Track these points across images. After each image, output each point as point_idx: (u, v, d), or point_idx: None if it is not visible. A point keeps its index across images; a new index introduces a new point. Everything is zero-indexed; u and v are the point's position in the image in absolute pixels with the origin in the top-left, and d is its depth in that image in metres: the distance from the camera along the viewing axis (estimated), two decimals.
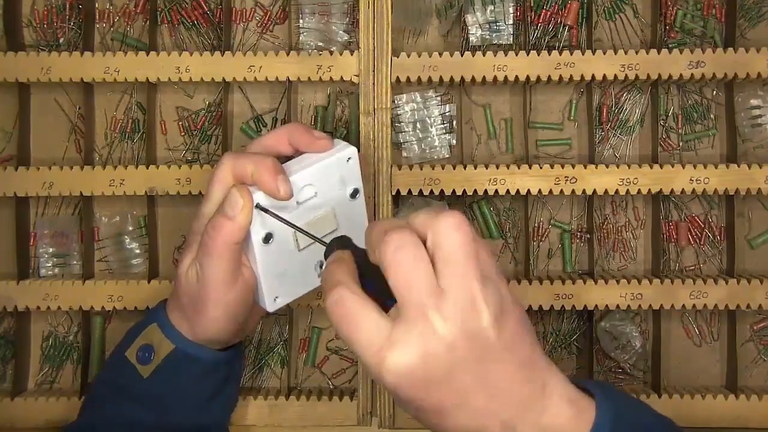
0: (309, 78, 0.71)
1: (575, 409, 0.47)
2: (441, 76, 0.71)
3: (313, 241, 0.57)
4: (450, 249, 0.45)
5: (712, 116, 0.76)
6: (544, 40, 0.76)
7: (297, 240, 0.58)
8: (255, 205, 0.55)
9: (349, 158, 0.59)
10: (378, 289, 0.47)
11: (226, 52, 0.72)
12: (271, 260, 0.58)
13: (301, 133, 0.58)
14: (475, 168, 0.71)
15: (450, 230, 0.45)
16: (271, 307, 0.59)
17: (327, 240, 0.54)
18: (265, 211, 0.56)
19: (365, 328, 0.45)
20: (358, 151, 0.60)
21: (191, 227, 0.59)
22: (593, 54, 0.71)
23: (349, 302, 0.46)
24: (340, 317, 0.46)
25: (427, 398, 0.44)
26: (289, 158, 0.59)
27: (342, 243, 0.53)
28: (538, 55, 0.71)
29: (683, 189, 0.70)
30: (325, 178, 0.59)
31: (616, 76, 0.71)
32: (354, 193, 0.60)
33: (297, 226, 0.56)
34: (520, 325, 0.46)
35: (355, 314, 0.45)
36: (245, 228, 0.55)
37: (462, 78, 0.71)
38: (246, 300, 0.58)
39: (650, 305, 0.71)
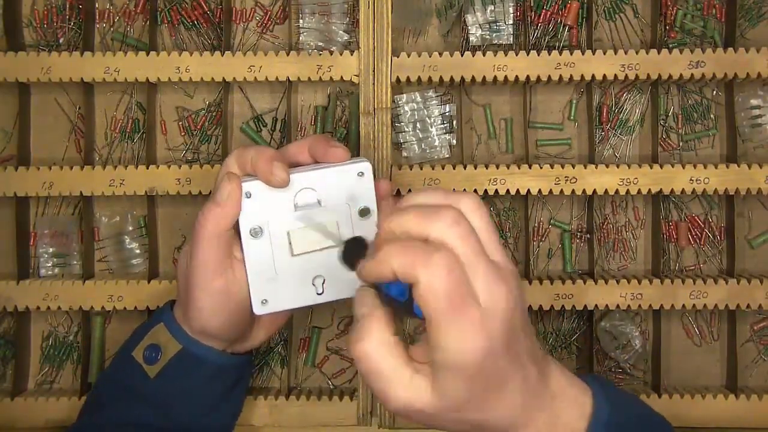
0: (309, 78, 0.71)
1: (570, 381, 0.49)
2: (441, 76, 0.71)
3: (309, 249, 0.57)
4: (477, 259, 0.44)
5: (712, 116, 0.76)
6: (544, 40, 0.76)
7: (291, 244, 0.58)
8: (245, 194, 0.56)
9: (360, 172, 0.57)
10: (397, 292, 0.45)
11: (226, 52, 0.72)
12: (261, 258, 0.57)
13: (319, 142, 0.58)
14: (475, 168, 0.71)
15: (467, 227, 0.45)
16: (258, 309, 0.58)
17: (326, 252, 0.54)
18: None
19: (395, 386, 0.45)
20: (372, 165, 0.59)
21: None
22: (593, 54, 0.71)
23: (376, 361, 0.45)
24: (367, 371, 0.45)
25: (484, 375, 0.44)
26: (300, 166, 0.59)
27: (358, 244, 0.49)
28: (538, 55, 0.71)
29: (683, 189, 0.71)
30: (331, 188, 0.57)
31: (616, 76, 0.71)
32: (364, 212, 0.58)
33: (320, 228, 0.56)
34: (526, 316, 0.47)
35: (384, 373, 0.45)
36: (232, 214, 0.56)
37: (462, 78, 0.71)
38: (235, 296, 0.58)
39: (650, 305, 0.71)
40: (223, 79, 0.71)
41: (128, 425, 0.60)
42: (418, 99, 0.76)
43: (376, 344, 0.45)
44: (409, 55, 0.71)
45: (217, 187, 0.56)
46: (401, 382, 0.45)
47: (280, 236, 0.57)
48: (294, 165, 0.58)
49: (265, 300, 0.58)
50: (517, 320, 0.45)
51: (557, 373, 0.49)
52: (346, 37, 0.75)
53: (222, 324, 0.59)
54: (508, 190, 0.71)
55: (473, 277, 0.43)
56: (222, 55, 0.71)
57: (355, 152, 0.72)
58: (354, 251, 0.49)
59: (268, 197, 0.56)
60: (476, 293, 0.43)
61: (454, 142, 0.76)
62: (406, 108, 0.76)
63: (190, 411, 0.61)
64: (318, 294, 0.59)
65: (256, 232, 0.57)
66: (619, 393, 0.53)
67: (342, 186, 0.57)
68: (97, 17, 0.77)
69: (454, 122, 0.76)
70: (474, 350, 0.43)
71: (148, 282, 0.72)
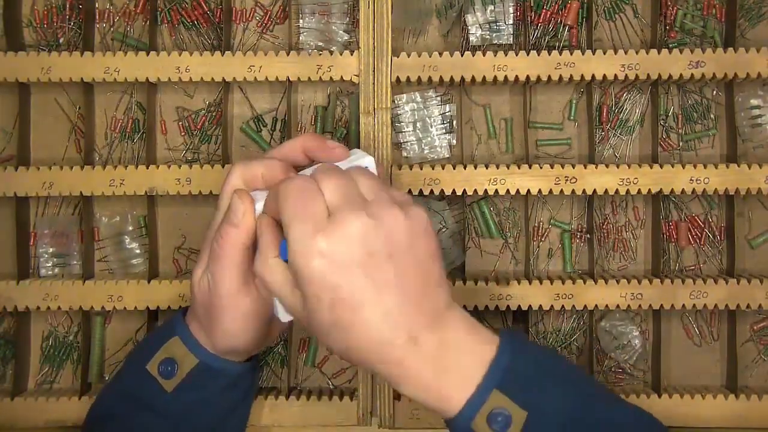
0: (309, 78, 0.71)
1: (472, 330, 0.51)
2: (441, 76, 0.71)
3: None
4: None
5: (712, 116, 0.76)
6: (544, 40, 0.76)
7: None
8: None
9: (365, 168, 0.57)
10: None
11: (226, 52, 0.72)
12: None
13: (316, 143, 0.58)
14: (475, 168, 0.71)
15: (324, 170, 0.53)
16: (284, 317, 0.58)
17: None
18: None
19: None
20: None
21: (205, 236, 0.59)
22: (593, 54, 0.71)
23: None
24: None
25: (348, 284, 0.48)
26: (302, 169, 0.58)
27: None
28: (538, 55, 0.71)
29: (683, 189, 0.71)
30: None
31: (616, 76, 0.71)
32: None
33: None
34: (434, 252, 0.51)
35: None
36: (250, 233, 0.55)
37: (462, 78, 0.71)
38: (261, 311, 0.57)
39: (650, 305, 0.71)
40: (223, 79, 0.71)
41: None
42: (418, 99, 0.76)
43: (263, 264, 0.53)
44: (409, 55, 0.71)
45: (231, 207, 0.55)
46: (286, 295, 0.52)
47: None
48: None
49: None
50: (378, 249, 0.49)
51: (457, 324, 0.51)
52: (346, 37, 0.75)
53: (249, 341, 0.59)
54: (508, 190, 0.71)
55: (339, 202, 0.50)
56: (222, 55, 0.71)
57: None
58: None
59: None
60: (332, 212, 0.50)
61: (454, 142, 0.76)
62: (406, 108, 0.76)
63: (207, 421, 0.61)
64: None
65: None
66: (531, 346, 0.54)
67: None
68: (97, 17, 0.77)
69: (454, 122, 0.76)
70: (311, 250, 0.48)
71: (148, 282, 0.72)
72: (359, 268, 0.48)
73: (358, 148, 0.71)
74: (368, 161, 0.58)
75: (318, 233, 0.48)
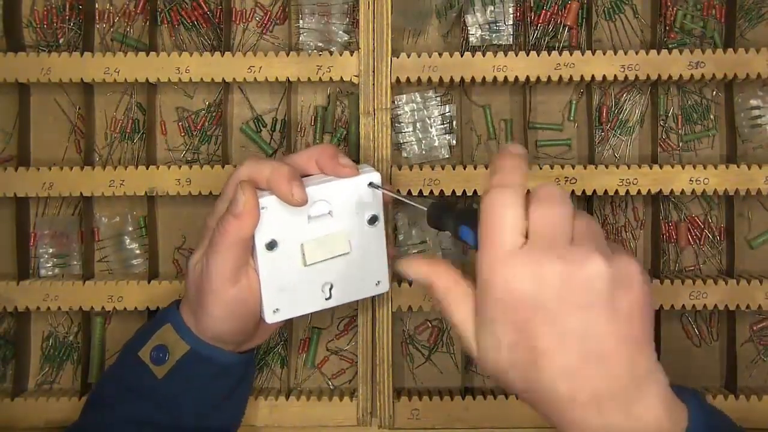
0: (309, 78, 0.71)
1: (668, 411, 0.47)
2: (441, 77, 0.71)
3: (321, 259, 0.58)
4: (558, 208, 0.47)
5: (712, 116, 0.76)
6: (544, 41, 0.76)
7: (304, 255, 0.58)
8: (261, 208, 0.56)
9: (370, 183, 0.58)
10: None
11: (226, 52, 0.72)
12: (275, 269, 0.58)
13: (328, 157, 0.58)
14: (475, 168, 0.71)
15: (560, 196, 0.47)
16: (269, 318, 0.59)
17: (335, 259, 0.58)
18: (377, 187, 0.58)
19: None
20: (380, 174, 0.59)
21: (206, 223, 0.60)
22: (593, 54, 0.71)
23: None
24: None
25: (529, 326, 0.45)
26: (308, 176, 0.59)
27: (439, 207, 0.53)
28: (538, 55, 0.71)
29: (683, 189, 0.71)
30: (342, 199, 0.58)
31: (616, 77, 0.71)
32: (372, 220, 0.59)
33: (403, 196, 0.59)
34: (639, 308, 0.46)
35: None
36: (250, 227, 0.56)
37: (462, 78, 0.71)
38: (248, 303, 0.58)
39: None
40: (223, 79, 0.71)
41: (133, 423, 0.60)
42: (418, 99, 0.76)
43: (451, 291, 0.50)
44: (408, 56, 0.71)
45: (234, 198, 0.56)
46: (468, 328, 0.49)
47: (294, 248, 0.58)
48: (302, 175, 0.58)
49: (277, 309, 0.59)
50: (569, 296, 0.45)
51: (652, 401, 0.47)
52: (346, 37, 0.75)
53: (234, 329, 0.59)
54: None
55: (544, 232, 0.46)
56: (222, 56, 0.71)
57: (355, 153, 0.72)
58: (440, 212, 0.53)
59: (283, 211, 0.57)
60: (531, 240, 0.46)
61: (454, 142, 0.76)
62: (406, 108, 0.76)
63: (198, 409, 0.62)
64: (326, 299, 0.60)
65: (271, 246, 0.57)
66: (719, 416, 0.51)
67: (353, 196, 0.59)
68: (97, 17, 0.77)
69: (454, 123, 0.76)
70: (499, 274, 0.45)
71: (148, 282, 0.72)
72: (544, 313, 0.45)
73: (358, 148, 0.71)
74: (373, 176, 0.58)
75: (510, 258, 0.45)
